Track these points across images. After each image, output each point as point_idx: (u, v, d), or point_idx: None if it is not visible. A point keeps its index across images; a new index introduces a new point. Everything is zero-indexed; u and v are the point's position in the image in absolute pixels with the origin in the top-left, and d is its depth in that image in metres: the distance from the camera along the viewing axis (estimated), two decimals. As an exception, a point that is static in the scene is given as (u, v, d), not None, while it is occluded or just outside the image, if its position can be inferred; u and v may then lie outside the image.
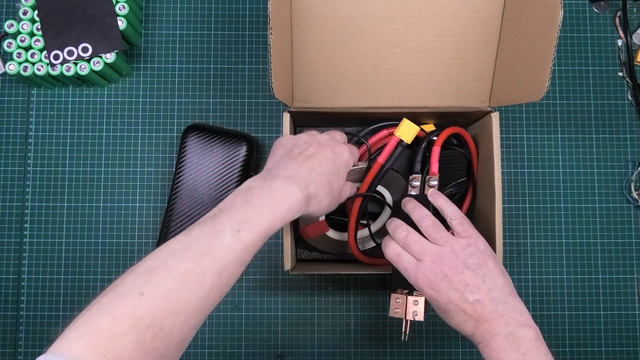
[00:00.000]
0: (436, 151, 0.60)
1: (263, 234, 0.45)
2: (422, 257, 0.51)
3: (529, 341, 0.48)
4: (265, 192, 0.47)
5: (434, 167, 0.59)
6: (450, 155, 0.65)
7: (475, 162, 0.67)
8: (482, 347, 0.50)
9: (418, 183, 0.58)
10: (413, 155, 0.61)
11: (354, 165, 0.56)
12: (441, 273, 0.50)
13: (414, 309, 0.55)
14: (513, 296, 0.50)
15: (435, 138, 0.61)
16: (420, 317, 0.54)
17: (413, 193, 0.59)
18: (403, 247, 0.53)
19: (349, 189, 0.58)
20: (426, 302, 0.54)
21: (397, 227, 0.54)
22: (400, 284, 0.55)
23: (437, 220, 0.53)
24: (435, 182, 0.57)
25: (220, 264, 0.42)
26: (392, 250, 0.53)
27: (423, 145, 0.61)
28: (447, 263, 0.50)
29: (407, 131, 0.60)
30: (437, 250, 0.51)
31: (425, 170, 0.60)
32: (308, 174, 0.49)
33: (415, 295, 0.55)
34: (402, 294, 0.56)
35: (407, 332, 0.55)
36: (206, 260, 0.42)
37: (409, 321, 0.55)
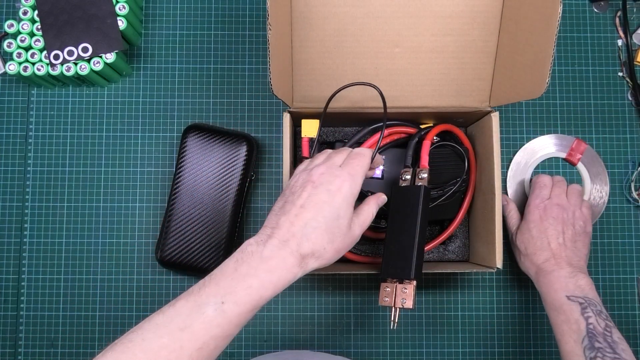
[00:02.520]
0: (426, 145, 0.61)
1: (250, 306, 0.43)
2: (555, 198, 0.65)
3: (585, 281, 0.58)
4: (256, 259, 0.44)
5: (424, 160, 0.60)
6: (448, 153, 0.65)
7: (473, 160, 0.67)
8: (544, 275, 0.60)
9: (409, 176, 0.59)
10: (405, 150, 0.63)
11: (369, 177, 0.56)
12: (555, 214, 0.63)
13: (403, 296, 0.55)
14: (585, 268, 0.61)
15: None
16: (409, 304, 0.54)
17: (404, 185, 0.60)
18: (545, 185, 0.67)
19: (369, 214, 0.52)
20: (415, 290, 0.55)
21: (557, 177, 0.68)
22: (391, 273, 0.56)
23: (579, 187, 0.67)
24: (425, 175, 0.58)
25: (201, 339, 0.41)
26: (544, 180, 0.67)
27: (415, 140, 0.63)
28: (566, 214, 0.64)
29: (309, 128, 0.64)
30: (565, 204, 0.64)
31: (416, 164, 0.61)
32: (301, 231, 0.45)
33: (405, 284, 0.55)
34: (391, 282, 0.56)
35: (396, 321, 0.55)
36: (185, 336, 0.40)
37: (398, 309, 0.55)
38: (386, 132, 0.65)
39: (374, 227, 0.69)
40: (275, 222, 0.47)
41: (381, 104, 0.58)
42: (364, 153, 0.52)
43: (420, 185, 0.57)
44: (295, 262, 0.45)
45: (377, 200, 0.53)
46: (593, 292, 0.57)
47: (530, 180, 0.72)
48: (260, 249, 0.45)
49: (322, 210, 0.47)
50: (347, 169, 0.49)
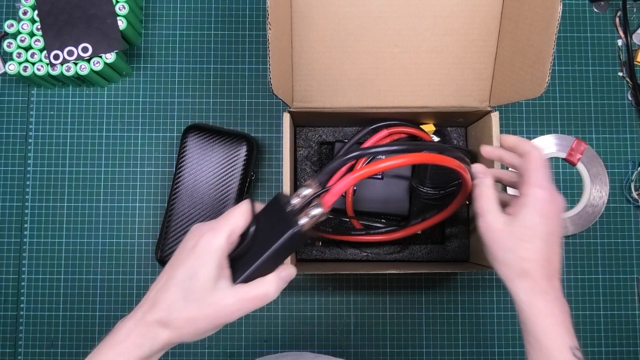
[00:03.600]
0: (346, 181, 0.45)
1: None
2: (550, 186, 0.48)
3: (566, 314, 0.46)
4: (109, 334, 0.41)
5: (333, 195, 0.44)
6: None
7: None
8: (547, 299, 0.46)
9: (306, 193, 0.45)
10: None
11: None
12: (558, 208, 0.48)
13: None
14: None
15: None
16: None
17: (286, 207, 0.45)
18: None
19: (261, 289, 0.42)
20: None
21: (536, 148, 0.50)
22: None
23: None
24: (317, 213, 0.43)
25: None
26: (538, 151, 0.50)
27: (342, 158, 0.48)
28: (562, 207, 0.49)
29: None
30: (556, 191, 0.49)
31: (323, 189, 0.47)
32: (154, 296, 0.41)
33: None
34: None
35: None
36: None
37: None
38: (386, 132, 0.65)
39: (373, 227, 0.69)
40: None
41: (381, 104, 0.57)
42: (240, 205, 0.43)
43: (294, 229, 0.42)
44: (140, 332, 0.40)
45: (279, 275, 0.43)
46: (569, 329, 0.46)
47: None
48: (121, 322, 0.41)
49: (176, 269, 0.41)
50: (213, 223, 0.43)
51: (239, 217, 0.43)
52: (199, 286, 0.40)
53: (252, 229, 0.43)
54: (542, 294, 0.46)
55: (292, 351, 0.70)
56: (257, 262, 0.42)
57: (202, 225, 0.43)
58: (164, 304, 0.40)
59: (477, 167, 0.52)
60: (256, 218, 0.44)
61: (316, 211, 0.43)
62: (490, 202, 0.49)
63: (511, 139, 0.53)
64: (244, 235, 0.43)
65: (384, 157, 0.46)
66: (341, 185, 0.43)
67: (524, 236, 0.47)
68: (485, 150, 0.57)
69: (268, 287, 0.43)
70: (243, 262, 0.43)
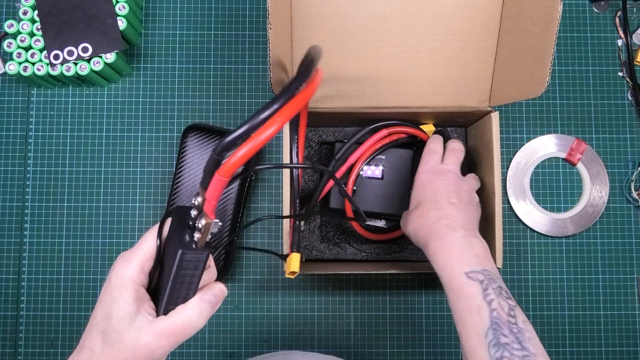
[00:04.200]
0: (218, 182, 0.37)
1: None
2: (447, 166, 0.59)
3: (480, 248, 0.50)
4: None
5: (209, 203, 0.38)
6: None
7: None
8: (434, 240, 0.52)
9: (197, 201, 0.38)
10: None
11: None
12: (448, 180, 0.57)
13: None
14: (477, 232, 0.54)
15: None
16: None
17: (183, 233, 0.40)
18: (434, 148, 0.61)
19: (183, 318, 0.39)
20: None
21: (455, 141, 0.63)
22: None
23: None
24: (202, 224, 0.37)
25: None
26: (434, 146, 0.61)
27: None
28: (457, 181, 0.57)
29: (294, 263, 0.54)
30: (458, 173, 0.59)
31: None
32: (83, 338, 0.40)
33: None
34: None
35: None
36: None
37: None
38: (386, 131, 0.65)
39: (373, 227, 0.69)
40: None
41: (381, 104, 0.57)
42: (151, 229, 0.40)
43: (180, 252, 0.37)
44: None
45: (202, 297, 0.40)
46: (490, 261, 0.50)
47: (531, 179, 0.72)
48: None
49: (96, 308, 0.39)
50: (126, 252, 0.40)
51: (150, 241, 0.39)
52: (115, 326, 0.37)
53: (165, 251, 0.39)
54: (430, 239, 0.52)
55: (280, 351, 0.69)
56: (167, 291, 0.38)
57: (121, 254, 0.40)
58: (87, 348, 0.38)
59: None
60: (169, 237, 0.40)
61: (202, 222, 0.37)
62: None
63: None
64: (155, 259, 0.40)
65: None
66: (211, 189, 0.36)
67: (409, 212, 0.57)
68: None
69: (188, 315, 0.38)
70: (161, 290, 0.39)
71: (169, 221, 0.40)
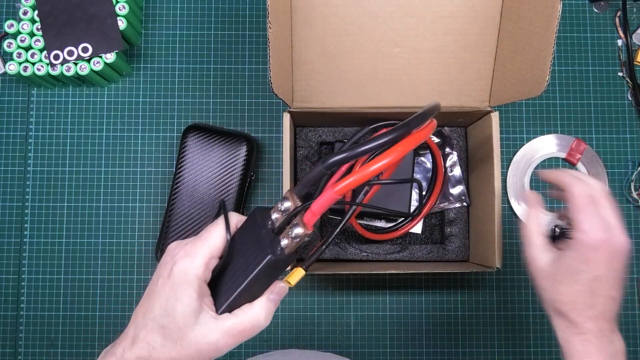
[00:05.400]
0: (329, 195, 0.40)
1: None
2: (611, 228, 0.45)
3: (621, 348, 0.45)
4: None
5: (313, 215, 0.39)
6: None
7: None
8: (577, 335, 0.44)
9: (284, 206, 0.40)
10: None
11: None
12: (621, 259, 0.45)
13: None
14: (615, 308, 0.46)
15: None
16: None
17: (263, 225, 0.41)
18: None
19: (251, 317, 0.39)
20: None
21: (591, 180, 0.47)
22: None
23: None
24: (300, 233, 0.38)
25: None
26: (586, 191, 0.46)
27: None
28: (626, 253, 0.45)
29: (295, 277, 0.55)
30: (622, 232, 0.46)
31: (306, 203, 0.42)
32: (133, 331, 0.38)
33: None
34: None
35: None
36: None
37: None
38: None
39: (373, 227, 0.69)
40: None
41: (381, 104, 0.57)
42: (217, 224, 0.39)
43: (270, 257, 0.38)
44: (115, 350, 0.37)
45: (269, 297, 0.40)
46: None
47: (532, 179, 0.72)
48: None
49: (153, 302, 0.37)
50: (189, 246, 0.38)
51: (217, 237, 0.39)
52: (178, 323, 0.36)
53: (232, 249, 0.39)
54: (578, 334, 0.44)
55: (280, 350, 0.69)
56: (238, 289, 0.38)
57: (178, 245, 0.39)
58: (144, 342, 0.37)
59: (528, 195, 0.50)
60: (236, 236, 0.40)
61: (297, 232, 0.37)
62: (534, 236, 0.48)
63: (551, 176, 0.49)
64: (223, 256, 0.39)
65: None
66: (320, 202, 0.37)
67: (561, 279, 0.45)
68: (542, 174, 0.52)
69: (257, 314, 0.39)
70: (225, 287, 0.39)
71: (233, 217, 0.40)
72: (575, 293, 0.44)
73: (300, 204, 0.38)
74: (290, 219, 0.38)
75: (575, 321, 0.44)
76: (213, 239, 0.39)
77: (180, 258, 0.38)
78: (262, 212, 0.40)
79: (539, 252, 0.47)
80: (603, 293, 0.44)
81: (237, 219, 0.41)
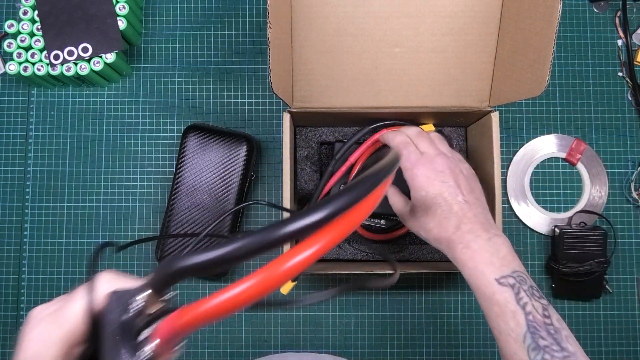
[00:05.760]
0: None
1: None
2: (427, 151, 0.55)
3: (506, 248, 0.49)
4: None
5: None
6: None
7: None
8: (460, 249, 0.50)
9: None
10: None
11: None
12: (440, 167, 0.54)
13: None
14: (489, 214, 0.53)
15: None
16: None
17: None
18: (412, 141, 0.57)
19: None
20: None
21: (409, 128, 0.59)
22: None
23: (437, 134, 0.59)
24: None
25: None
26: (402, 138, 0.57)
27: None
28: (447, 163, 0.54)
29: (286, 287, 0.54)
30: (440, 152, 0.55)
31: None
32: None
33: None
34: None
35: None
36: None
37: None
38: (386, 131, 0.65)
39: (373, 227, 0.69)
40: None
41: (381, 104, 0.57)
42: (76, 300, 0.33)
43: None
44: None
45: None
46: (516, 260, 0.49)
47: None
48: None
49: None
50: (46, 323, 0.32)
51: (76, 318, 0.31)
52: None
53: (99, 335, 0.30)
54: (456, 247, 0.50)
55: (274, 354, 0.69)
56: None
57: (38, 314, 0.32)
58: None
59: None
60: (104, 314, 0.31)
61: (146, 349, 0.28)
62: (396, 197, 0.58)
63: (381, 139, 0.61)
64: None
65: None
66: (167, 328, 0.27)
67: (417, 212, 0.54)
68: (380, 138, 0.63)
69: None
70: None
71: (106, 282, 0.32)
72: (430, 217, 0.52)
73: (156, 305, 0.29)
74: (148, 321, 0.29)
75: (447, 239, 0.51)
76: (72, 320, 0.31)
77: (32, 343, 0.31)
78: (123, 295, 0.31)
79: (402, 207, 0.57)
80: (452, 202, 0.52)
81: (106, 289, 0.33)
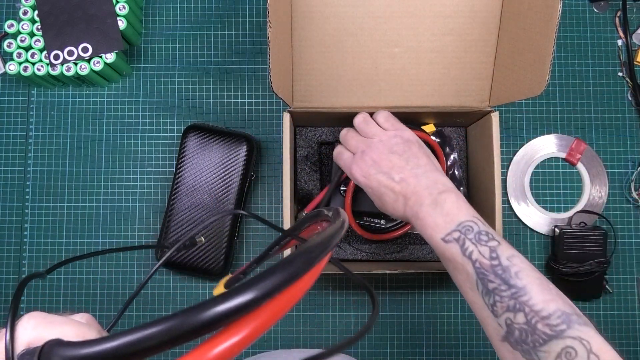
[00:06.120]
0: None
1: None
2: (356, 150, 0.57)
3: (450, 202, 0.50)
4: None
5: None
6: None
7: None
8: (413, 222, 0.52)
9: None
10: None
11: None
12: (371, 160, 0.55)
13: None
14: (434, 171, 0.54)
15: None
16: None
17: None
18: (344, 146, 0.60)
19: None
20: None
21: (343, 130, 0.61)
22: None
23: (367, 116, 0.59)
24: None
25: None
26: (336, 150, 0.60)
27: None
28: (375, 151, 0.55)
29: None
30: (367, 141, 0.57)
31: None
32: None
33: None
34: None
35: None
36: None
37: None
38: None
39: (373, 227, 0.69)
40: None
41: (381, 104, 0.57)
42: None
43: None
44: None
45: None
46: (460, 209, 0.50)
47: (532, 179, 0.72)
48: None
49: None
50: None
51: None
52: None
53: None
54: (414, 223, 0.52)
55: (266, 352, 0.69)
56: None
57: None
58: None
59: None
60: None
61: None
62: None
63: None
64: None
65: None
66: None
67: (380, 206, 0.57)
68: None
69: None
70: None
71: (24, 337, 0.30)
72: (385, 205, 0.55)
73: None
74: None
75: (404, 217, 0.53)
76: None
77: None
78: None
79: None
80: (393, 186, 0.53)
81: (30, 337, 0.31)
